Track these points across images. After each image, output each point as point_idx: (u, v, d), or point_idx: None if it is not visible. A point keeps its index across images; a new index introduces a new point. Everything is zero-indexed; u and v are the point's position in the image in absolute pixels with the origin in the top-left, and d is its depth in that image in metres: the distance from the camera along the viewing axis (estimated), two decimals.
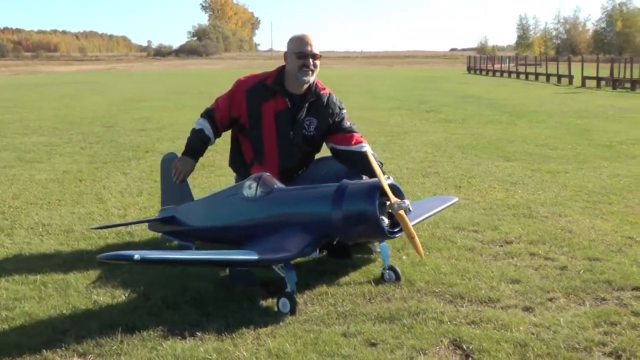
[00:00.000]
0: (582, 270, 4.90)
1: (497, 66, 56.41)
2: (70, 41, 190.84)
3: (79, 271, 4.89)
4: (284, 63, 5.49)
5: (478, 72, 57.68)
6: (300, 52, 5.27)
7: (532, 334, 3.79)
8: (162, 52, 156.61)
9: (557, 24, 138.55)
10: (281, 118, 5.32)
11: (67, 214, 6.72)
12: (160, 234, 5.58)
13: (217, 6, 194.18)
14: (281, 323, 3.97)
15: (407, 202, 4.26)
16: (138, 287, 4.56)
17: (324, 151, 5.70)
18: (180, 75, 52.58)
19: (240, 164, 5.62)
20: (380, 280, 4.69)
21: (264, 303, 4.34)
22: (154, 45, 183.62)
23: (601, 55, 72.17)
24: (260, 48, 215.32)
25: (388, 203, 4.24)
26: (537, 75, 43.36)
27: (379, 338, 3.74)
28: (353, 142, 5.39)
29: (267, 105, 5.32)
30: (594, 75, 34.63)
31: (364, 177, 5.13)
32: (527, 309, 4.20)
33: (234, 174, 5.88)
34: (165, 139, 12.59)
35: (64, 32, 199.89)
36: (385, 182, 4.25)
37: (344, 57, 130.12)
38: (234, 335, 3.78)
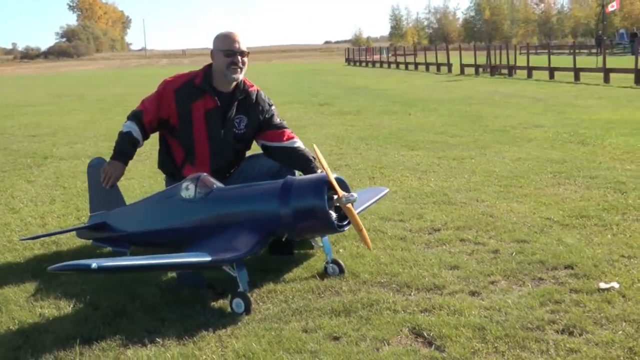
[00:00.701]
0: (514, 253, 5.08)
1: (375, 57, 57.53)
2: None
3: (14, 285, 4.67)
4: (198, 67, 5.45)
5: (358, 63, 58.62)
6: (228, 49, 5.20)
7: (486, 317, 3.90)
8: (29, 55, 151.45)
9: (428, 13, 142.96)
10: (211, 117, 5.24)
11: None
12: (90, 241, 5.42)
13: (85, 5, 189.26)
14: (239, 323, 3.94)
15: (354, 194, 4.31)
16: (83, 296, 4.41)
17: (254, 148, 5.69)
18: (55, 78, 50.96)
19: (171, 165, 5.50)
20: (324, 274, 4.72)
21: (215, 304, 4.28)
22: (20, 47, 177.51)
23: (477, 43, 74.52)
24: (132, 47, 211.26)
25: (336, 197, 4.28)
26: (416, 64, 44.50)
27: (340, 331, 3.76)
28: (285, 138, 5.40)
29: (196, 105, 5.21)
30: (472, 62, 35.86)
31: (297, 172, 5.17)
32: (473, 294, 4.32)
33: (164, 176, 5.76)
34: (62, 144, 12.19)
35: None
36: (332, 175, 4.28)
37: None
38: (195, 339, 3.72)
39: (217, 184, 4.75)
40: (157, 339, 3.75)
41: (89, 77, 48.57)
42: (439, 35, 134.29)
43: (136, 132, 5.19)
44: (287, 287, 4.53)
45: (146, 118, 5.23)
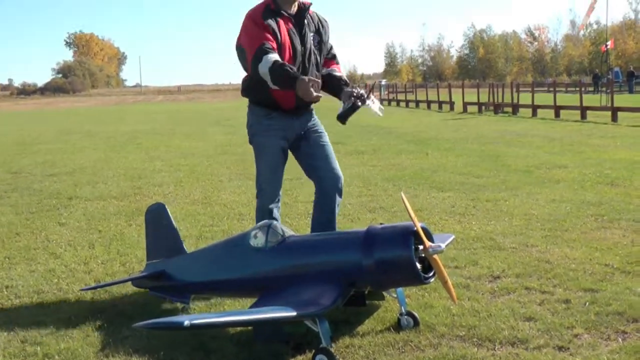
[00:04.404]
0: (587, 303, 4.94)
1: (376, 94, 57.71)
2: None
3: (78, 337, 4.53)
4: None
5: None
6: None
7: None
8: (26, 91, 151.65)
9: (422, 51, 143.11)
10: (292, 34, 5.23)
11: (26, 273, 6.28)
12: (147, 289, 5.27)
13: (82, 42, 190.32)
14: None
15: (442, 245, 4.17)
16: (156, 352, 4.25)
17: None
18: (57, 115, 50.98)
19: (258, 88, 5.19)
20: (398, 326, 4.57)
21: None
22: (16, 83, 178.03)
23: (472, 81, 74.87)
24: (127, 83, 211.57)
25: (422, 247, 4.14)
26: (417, 102, 44.58)
27: None
28: (329, 66, 5.58)
29: (280, 23, 5.19)
30: (472, 100, 35.96)
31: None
32: (560, 348, 4.17)
33: (247, 102, 5.54)
34: (83, 184, 12.07)
35: None
36: (419, 225, 4.15)
37: (215, 90, 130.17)
38: None
39: (288, 232, 4.62)
40: None
41: (91, 113, 48.56)
42: (433, 72, 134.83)
43: (278, 57, 4.98)
44: (365, 341, 4.38)
45: (272, 46, 5.04)
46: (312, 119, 5.55)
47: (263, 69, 4.92)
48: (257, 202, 5.44)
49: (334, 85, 5.41)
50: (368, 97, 5.03)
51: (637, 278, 5.53)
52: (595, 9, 45.18)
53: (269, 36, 5.06)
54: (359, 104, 5.00)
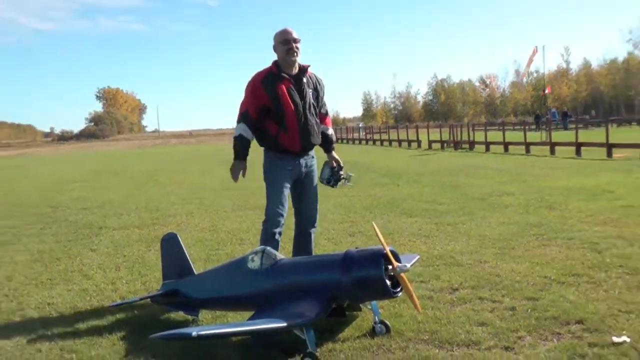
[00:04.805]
0: (529, 309, 4.98)
1: (355, 135, 58.03)
2: None
3: (107, 346, 4.56)
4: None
5: (339, 140, 58.89)
6: (284, 39, 5.53)
7: None
8: (64, 137, 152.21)
9: (394, 98, 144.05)
10: (291, 93, 5.52)
11: (64, 292, 6.29)
12: (164, 305, 5.29)
13: (110, 95, 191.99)
14: None
15: (407, 265, 4.23)
16: (171, 358, 4.27)
17: None
18: (89, 157, 50.87)
19: (268, 138, 5.65)
20: (373, 333, 4.60)
21: None
22: (57, 130, 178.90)
23: (435, 122, 75.17)
24: (147, 129, 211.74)
25: (391, 267, 4.19)
26: (390, 141, 44.75)
27: None
28: (324, 123, 5.94)
29: (279, 87, 5.49)
30: (436, 138, 36.16)
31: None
32: (507, 348, 4.21)
33: (262, 149, 5.85)
34: (110, 215, 12.06)
35: None
36: (388, 248, 4.20)
37: (220, 134, 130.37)
38: None
39: (280, 255, 4.66)
40: None
41: (116, 156, 48.46)
42: (403, 115, 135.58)
43: (246, 132, 5.50)
44: (345, 346, 4.41)
45: (252, 113, 5.50)
46: (313, 159, 5.84)
47: (235, 132, 5.59)
48: (263, 227, 5.63)
49: (324, 143, 5.92)
50: (340, 178, 6.01)
51: (570, 287, 5.58)
52: (534, 61, 45.50)
53: (254, 105, 5.49)
54: (337, 186, 6.04)
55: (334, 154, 5.99)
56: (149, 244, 8.77)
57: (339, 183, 5.91)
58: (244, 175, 5.62)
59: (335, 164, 5.95)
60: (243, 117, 5.52)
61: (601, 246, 7.15)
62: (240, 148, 5.55)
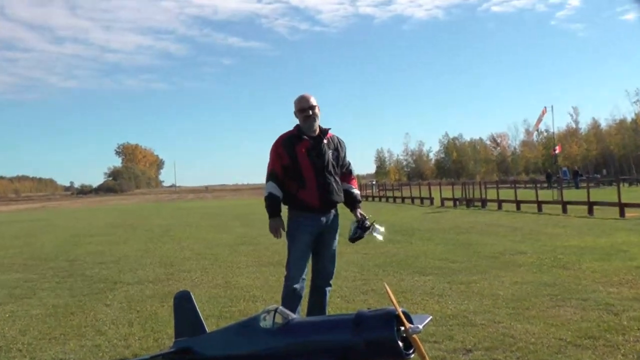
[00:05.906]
0: None
1: (368, 192, 58.05)
2: (6, 184, 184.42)
3: None
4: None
5: None
6: (301, 108, 5.83)
7: None
8: (83, 191, 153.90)
9: (406, 155, 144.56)
10: (310, 153, 5.78)
11: (77, 347, 6.19)
12: None
13: (129, 151, 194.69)
14: None
15: (420, 327, 4.13)
16: None
17: None
18: (107, 211, 50.99)
19: (289, 196, 5.85)
20: None
21: None
22: (76, 184, 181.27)
23: (448, 179, 75.17)
24: (164, 184, 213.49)
25: (403, 328, 4.09)
26: (402, 198, 44.67)
27: None
28: (348, 181, 6.12)
29: (299, 147, 5.77)
30: (449, 196, 36.04)
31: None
32: None
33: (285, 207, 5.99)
34: (126, 270, 11.98)
35: (1, 178, 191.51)
36: (400, 309, 4.12)
37: (235, 189, 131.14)
38: None
39: (292, 315, 4.58)
40: None
41: (133, 210, 48.63)
42: (415, 173, 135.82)
43: (275, 189, 5.77)
44: None
45: (278, 172, 5.79)
46: (335, 216, 5.99)
47: (265, 192, 5.83)
48: (284, 283, 5.81)
49: (349, 202, 6.08)
50: (372, 229, 5.92)
51: (586, 350, 5.43)
52: (542, 120, 45.75)
53: (279, 164, 5.78)
54: (364, 234, 5.92)
55: (358, 211, 6.06)
56: (162, 300, 8.68)
57: (367, 232, 5.91)
58: (284, 229, 5.82)
59: (360, 216, 5.99)
60: (271, 176, 5.81)
61: (617, 308, 7.00)
62: (273, 205, 5.78)
